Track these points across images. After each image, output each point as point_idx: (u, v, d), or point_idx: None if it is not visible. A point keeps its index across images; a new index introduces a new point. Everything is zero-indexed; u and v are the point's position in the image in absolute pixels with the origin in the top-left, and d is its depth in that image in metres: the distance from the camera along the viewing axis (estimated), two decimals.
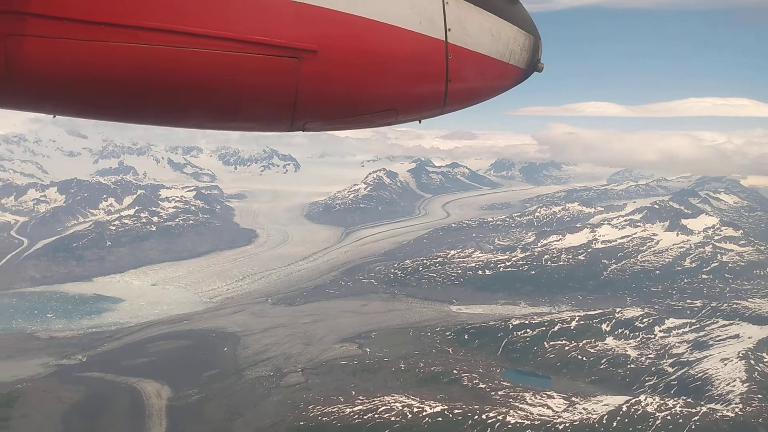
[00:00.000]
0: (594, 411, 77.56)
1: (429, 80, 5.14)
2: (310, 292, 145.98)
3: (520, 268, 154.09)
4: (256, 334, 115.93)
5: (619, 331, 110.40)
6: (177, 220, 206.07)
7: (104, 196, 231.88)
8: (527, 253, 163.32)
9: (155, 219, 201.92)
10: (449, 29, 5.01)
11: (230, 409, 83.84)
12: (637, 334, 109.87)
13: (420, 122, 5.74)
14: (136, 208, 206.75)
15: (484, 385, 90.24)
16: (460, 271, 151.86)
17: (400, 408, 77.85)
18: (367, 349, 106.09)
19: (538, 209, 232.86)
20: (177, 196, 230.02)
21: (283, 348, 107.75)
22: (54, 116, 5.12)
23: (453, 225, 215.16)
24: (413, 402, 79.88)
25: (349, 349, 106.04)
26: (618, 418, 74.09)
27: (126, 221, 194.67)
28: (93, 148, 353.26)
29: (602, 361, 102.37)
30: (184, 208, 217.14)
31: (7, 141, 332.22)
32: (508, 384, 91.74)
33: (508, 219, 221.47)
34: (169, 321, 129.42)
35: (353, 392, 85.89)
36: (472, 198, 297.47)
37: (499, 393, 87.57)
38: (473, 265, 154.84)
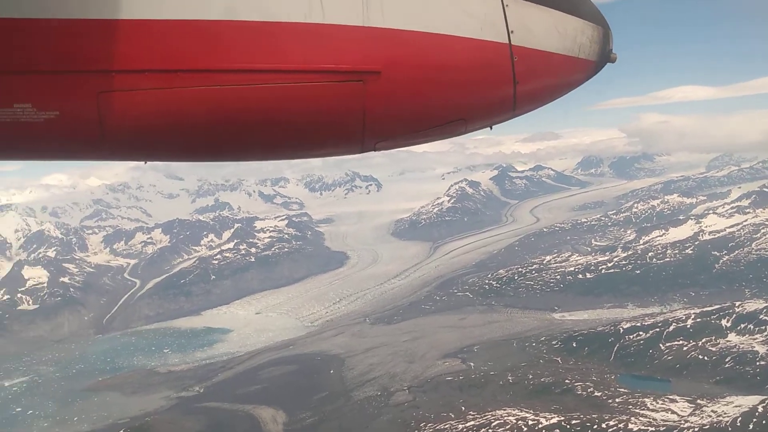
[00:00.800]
0: (725, 413, 72.21)
1: (496, 85, 5.08)
2: (406, 310, 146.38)
3: (623, 269, 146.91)
4: (359, 355, 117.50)
5: (743, 326, 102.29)
6: (273, 249, 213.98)
7: (204, 232, 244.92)
8: (629, 252, 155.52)
9: (253, 250, 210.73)
10: (512, 31, 4.95)
11: (343, 431, 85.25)
12: (763, 327, 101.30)
13: (491, 128, 5.66)
14: (235, 241, 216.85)
15: (599, 393, 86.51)
16: (558, 277, 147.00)
17: (514, 422, 76.04)
18: (471, 364, 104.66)
19: (635, 205, 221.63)
20: (271, 227, 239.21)
21: (387, 367, 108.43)
22: (146, 162, 5.33)
23: (544, 229, 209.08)
24: (527, 415, 77.82)
25: (453, 365, 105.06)
26: (755, 419, 68.39)
27: (227, 254, 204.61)
28: (189, 188, 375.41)
29: (727, 360, 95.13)
30: (278, 237, 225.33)
31: (113, 190, 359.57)
32: (626, 390, 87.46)
33: (603, 218, 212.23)
34: (276, 347, 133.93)
35: (463, 408, 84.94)
36: (561, 200, 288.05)
37: (617, 400, 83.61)
38: (572, 269, 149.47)
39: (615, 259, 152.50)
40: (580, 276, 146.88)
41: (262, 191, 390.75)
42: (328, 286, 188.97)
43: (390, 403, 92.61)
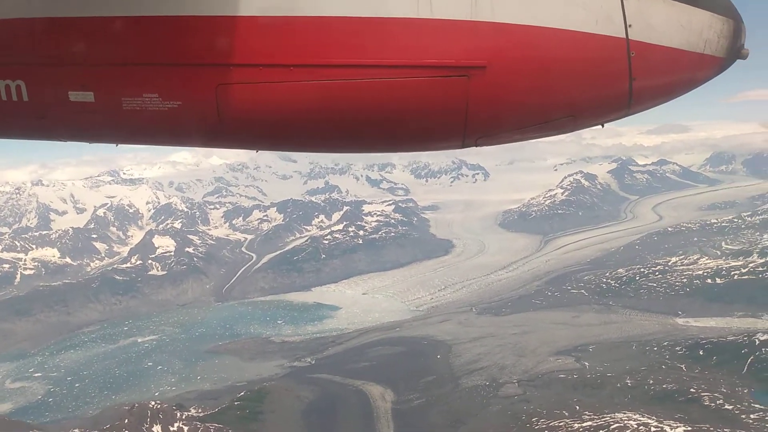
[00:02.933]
0: None
1: (609, 82, 4.83)
2: (515, 303, 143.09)
3: (760, 276, 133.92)
4: (466, 344, 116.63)
5: None
6: (380, 233, 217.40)
7: (316, 213, 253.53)
8: (767, 258, 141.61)
9: (361, 232, 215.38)
10: (630, 25, 4.66)
11: (452, 416, 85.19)
12: None
13: (603, 126, 5.34)
14: (344, 223, 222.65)
15: (730, 407, 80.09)
16: (684, 280, 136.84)
17: (636, 426, 72.17)
18: (586, 363, 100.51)
19: None
20: (378, 211, 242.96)
21: (496, 358, 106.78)
22: (257, 151, 5.53)
23: (669, 229, 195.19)
24: (649, 421, 73.61)
25: (566, 363, 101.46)
26: None
27: (336, 235, 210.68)
28: (302, 170, 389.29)
29: None
30: (385, 222, 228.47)
31: (233, 169, 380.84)
32: (761, 407, 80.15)
33: (736, 219, 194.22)
34: (383, 328, 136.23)
35: (577, 407, 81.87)
36: (687, 198, 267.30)
37: (752, 416, 77.24)
38: (700, 273, 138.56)
39: (750, 265, 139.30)
40: (709, 281, 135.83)
41: (370, 176, 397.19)
42: (433, 272, 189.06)
43: (499, 394, 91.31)
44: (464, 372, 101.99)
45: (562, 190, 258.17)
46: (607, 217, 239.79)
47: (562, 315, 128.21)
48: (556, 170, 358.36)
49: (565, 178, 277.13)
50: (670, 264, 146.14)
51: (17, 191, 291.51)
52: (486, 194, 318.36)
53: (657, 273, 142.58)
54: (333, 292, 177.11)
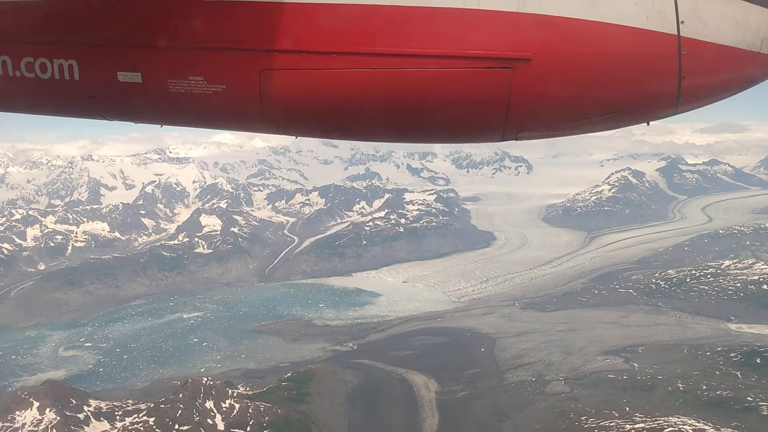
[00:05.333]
0: None
1: (658, 79, 4.68)
2: (560, 299, 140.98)
3: None
4: (511, 338, 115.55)
5: None
6: (421, 222, 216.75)
7: (357, 199, 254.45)
8: None
9: (402, 221, 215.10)
10: (682, 21, 4.53)
11: (497, 410, 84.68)
12: None
13: (648, 124, 5.22)
14: (386, 210, 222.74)
15: None
16: (738, 285, 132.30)
17: (690, 431, 70.38)
18: (635, 364, 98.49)
19: None
20: (419, 200, 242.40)
21: (542, 355, 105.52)
22: (296, 137, 5.59)
23: (720, 231, 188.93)
24: (705, 427, 71.90)
25: (615, 363, 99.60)
26: None
27: (378, 222, 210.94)
28: (343, 156, 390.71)
29: None
30: (426, 211, 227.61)
31: (275, 152, 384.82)
32: None
33: None
34: (424, 317, 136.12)
35: (627, 408, 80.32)
36: (740, 200, 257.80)
37: None
38: (756, 278, 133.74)
39: None
40: (765, 287, 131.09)
41: (410, 164, 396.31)
42: (474, 264, 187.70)
43: (546, 391, 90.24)
44: (509, 366, 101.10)
45: (609, 187, 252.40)
46: (654, 216, 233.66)
47: (610, 314, 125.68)
48: (602, 166, 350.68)
49: (612, 174, 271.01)
50: (722, 267, 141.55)
51: (70, 165, 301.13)
52: (529, 187, 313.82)
53: (709, 276, 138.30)
54: (373, 278, 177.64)
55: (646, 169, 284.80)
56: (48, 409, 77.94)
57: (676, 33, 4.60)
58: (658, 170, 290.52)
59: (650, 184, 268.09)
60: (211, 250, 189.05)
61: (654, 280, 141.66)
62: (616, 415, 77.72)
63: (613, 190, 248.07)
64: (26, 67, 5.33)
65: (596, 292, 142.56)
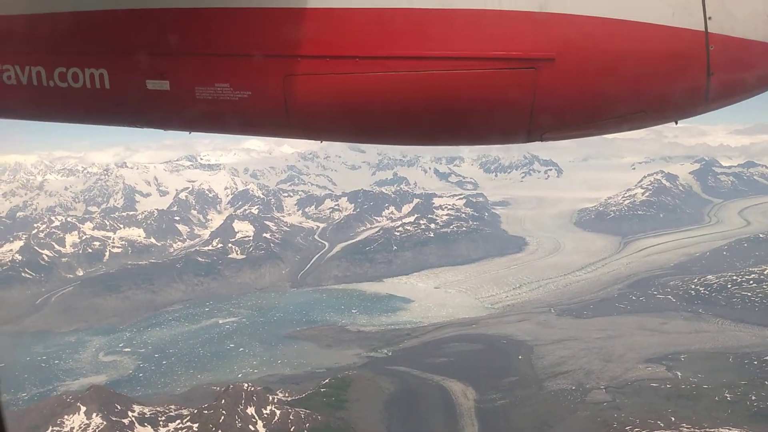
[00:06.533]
0: None
1: (685, 76, 4.59)
2: (597, 305, 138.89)
3: None
4: (548, 345, 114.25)
5: None
6: (451, 227, 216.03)
7: (386, 204, 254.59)
8: None
9: (432, 226, 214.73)
10: (710, 17, 4.43)
11: (539, 419, 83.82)
12: None
13: (676, 123, 5.12)
14: (415, 215, 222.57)
15: None
16: None
17: None
18: (678, 373, 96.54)
19: None
20: (449, 204, 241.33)
21: (581, 362, 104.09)
22: (321, 142, 5.64)
23: (761, 235, 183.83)
24: None
25: (657, 371, 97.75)
26: None
27: (408, 227, 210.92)
28: (370, 161, 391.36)
29: None
30: (456, 216, 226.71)
31: (304, 158, 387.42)
32: None
33: None
34: (458, 324, 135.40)
35: (672, 418, 78.91)
36: None
37: None
38: None
39: None
40: None
41: (438, 169, 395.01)
42: (507, 269, 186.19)
43: (587, 400, 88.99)
44: (548, 375, 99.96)
45: (642, 190, 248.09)
46: (689, 220, 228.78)
47: (649, 321, 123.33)
48: (634, 169, 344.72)
49: (645, 177, 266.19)
50: (766, 273, 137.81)
51: (105, 172, 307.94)
52: (559, 191, 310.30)
53: (751, 282, 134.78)
54: (405, 284, 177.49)
55: (680, 172, 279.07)
56: (94, 414, 79.68)
57: (703, 29, 4.51)
58: (692, 173, 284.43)
59: (684, 188, 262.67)
60: (244, 256, 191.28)
61: (693, 286, 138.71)
62: (662, 425, 76.36)
63: (647, 194, 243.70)
64: (59, 77, 5.45)
65: (634, 298, 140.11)
